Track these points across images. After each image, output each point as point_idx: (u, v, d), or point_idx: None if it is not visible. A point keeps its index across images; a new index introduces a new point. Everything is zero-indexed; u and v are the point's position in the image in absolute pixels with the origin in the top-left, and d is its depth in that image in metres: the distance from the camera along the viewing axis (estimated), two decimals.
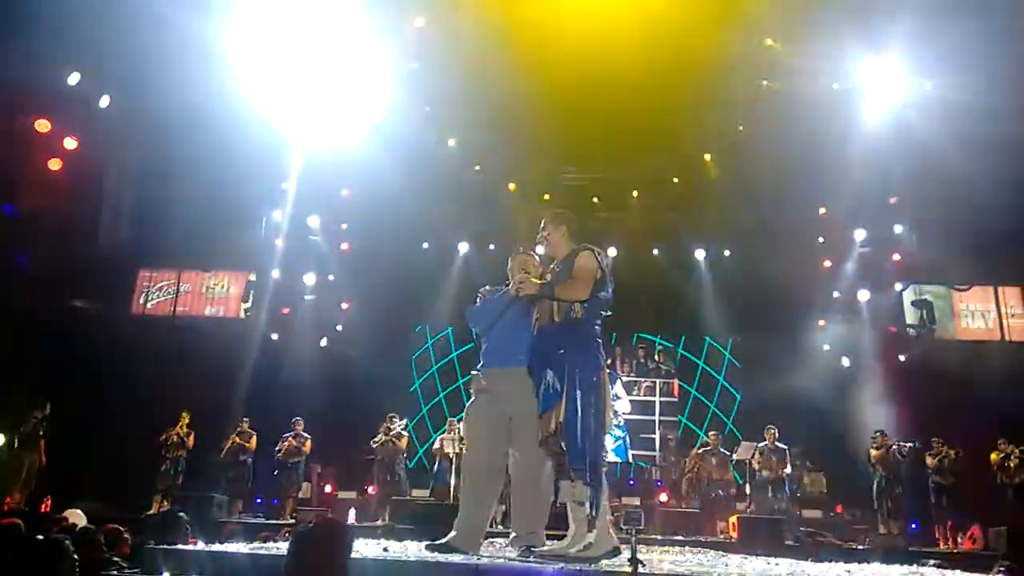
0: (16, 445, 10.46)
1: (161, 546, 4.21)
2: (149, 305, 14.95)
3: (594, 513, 4.02)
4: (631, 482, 13.05)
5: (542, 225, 4.47)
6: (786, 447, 11.30)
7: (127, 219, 14.32)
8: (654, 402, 13.90)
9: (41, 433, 10.61)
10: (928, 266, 14.36)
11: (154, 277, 15.07)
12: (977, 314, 14.46)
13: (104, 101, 12.26)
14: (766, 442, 11.32)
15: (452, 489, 9.94)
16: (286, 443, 11.68)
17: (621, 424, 9.20)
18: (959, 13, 11.16)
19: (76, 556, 3.15)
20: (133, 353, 12.57)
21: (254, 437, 11.69)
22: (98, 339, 12.82)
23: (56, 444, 10.91)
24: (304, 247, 14.15)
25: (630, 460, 11.67)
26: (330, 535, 3.01)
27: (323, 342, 13.94)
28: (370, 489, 11.76)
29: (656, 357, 14.56)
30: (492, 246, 14.27)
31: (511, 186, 14.65)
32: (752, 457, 11.35)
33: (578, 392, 4.01)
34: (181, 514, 5.39)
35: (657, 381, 14.16)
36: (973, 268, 14.12)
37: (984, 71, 11.45)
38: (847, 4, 11.92)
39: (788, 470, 11.22)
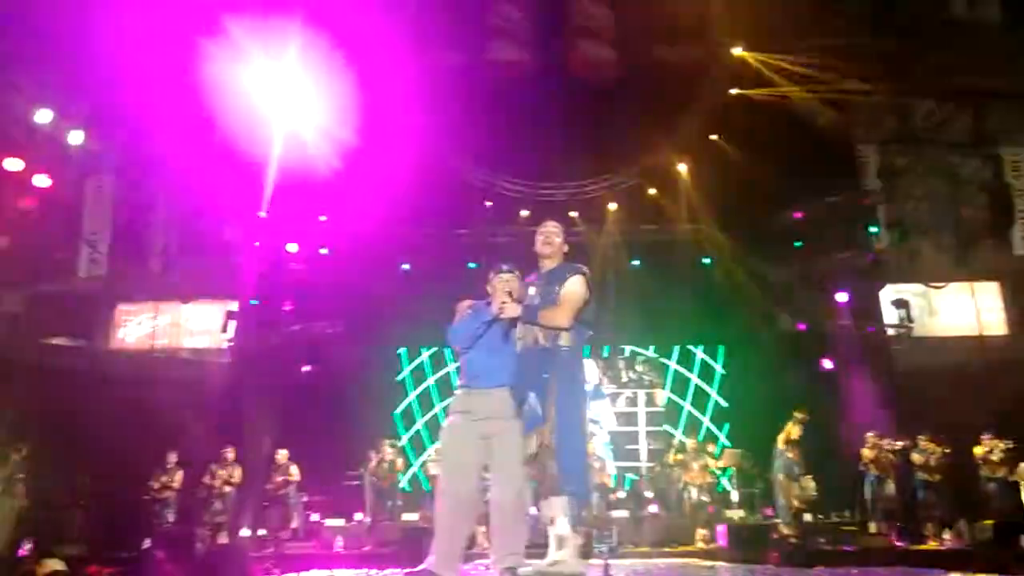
0: None
1: None
2: (128, 340, 14.84)
3: (566, 532, 4.04)
4: (620, 494, 13.03)
5: (553, 228, 4.41)
6: None
7: (103, 254, 14.26)
8: (636, 413, 13.92)
9: (21, 475, 10.47)
10: (905, 265, 14.52)
11: (132, 311, 14.97)
12: (955, 311, 14.57)
13: (76, 138, 12.21)
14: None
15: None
16: (277, 475, 11.63)
17: (607, 441, 9.19)
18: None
19: None
20: (113, 389, 12.43)
21: (239, 469, 11.57)
22: (77, 376, 12.70)
23: (36, 485, 10.76)
24: (283, 274, 14.08)
25: (614, 472, 11.65)
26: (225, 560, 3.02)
27: (305, 368, 13.84)
28: (357, 516, 11.66)
29: (637, 368, 14.62)
30: (472, 264, 14.26)
31: (488, 203, 14.70)
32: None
33: (561, 414, 4.00)
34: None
35: (639, 392, 14.20)
36: (950, 265, 14.29)
37: None
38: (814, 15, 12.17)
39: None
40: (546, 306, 4.14)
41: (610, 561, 3.82)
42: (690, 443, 11.91)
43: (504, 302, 4.18)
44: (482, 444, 4.32)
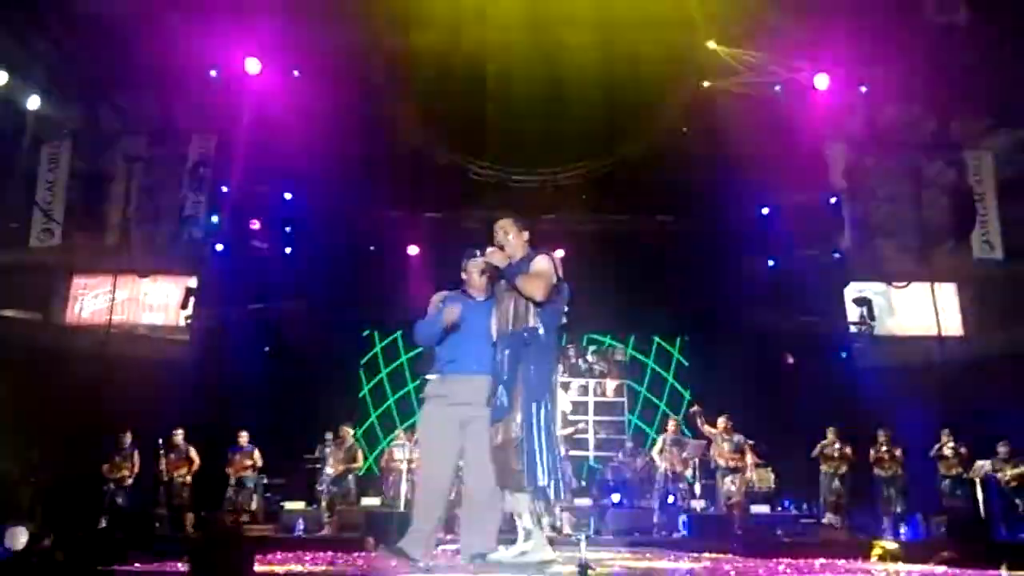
0: None
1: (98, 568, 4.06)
2: (84, 313, 14.43)
3: (531, 524, 4.07)
4: (582, 483, 13.07)
5: (502, 226, 4.38)
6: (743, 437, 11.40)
7: (58, 223, 13.85)
8: (587, 402, 14.21)
9: None
10: (867, 263, 14.75)
11: (89, 284, 14.54)
12: (915, 311, 14.84)
13: (33, 102, 11.82)
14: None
15: (403, 496, 9.85)
16: (235, 457, 11.43)
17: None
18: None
19: None
20: (68, 364, 12.08)
21: (192, 450, 11.31)
22: (32, 349, 12.32)
23: None
24: (246, 251, 13.78)
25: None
26: (225, 545, 2.93)
27: (266, 349, 13.59)
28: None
29: (588, 358, 14.75)
30: (443, 248, 14.11)
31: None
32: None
33: (525, 406, 3.98)
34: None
35: (590, 381, 14.38)
36: (911, 265, 14.56)
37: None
38: (787, 7, 12.22)
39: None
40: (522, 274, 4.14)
41: (584, 550, 3.80)
42: (670, 424, 11.78)
43: (492, 251, 4.24)
44: (458, 431, 4.33)
